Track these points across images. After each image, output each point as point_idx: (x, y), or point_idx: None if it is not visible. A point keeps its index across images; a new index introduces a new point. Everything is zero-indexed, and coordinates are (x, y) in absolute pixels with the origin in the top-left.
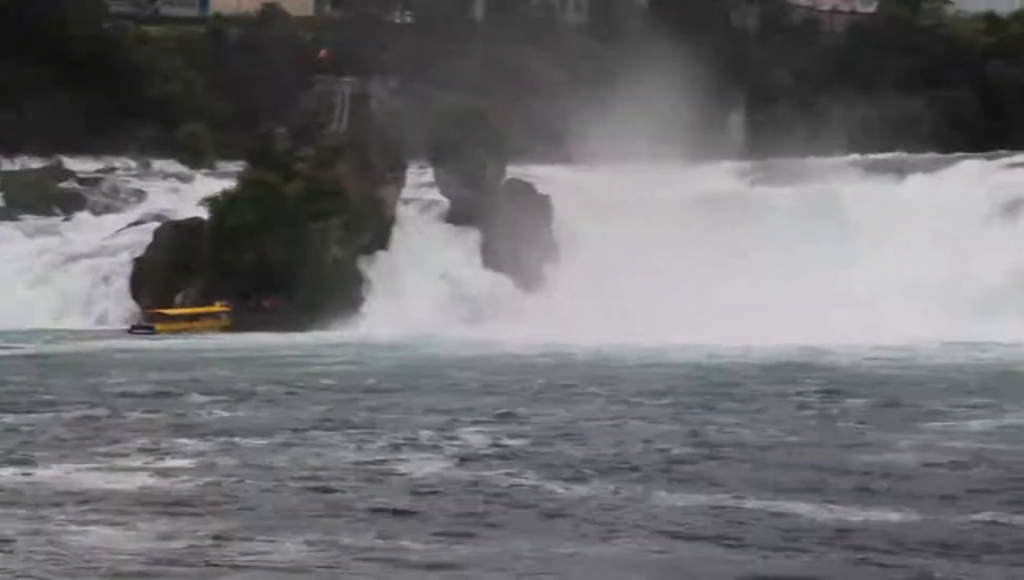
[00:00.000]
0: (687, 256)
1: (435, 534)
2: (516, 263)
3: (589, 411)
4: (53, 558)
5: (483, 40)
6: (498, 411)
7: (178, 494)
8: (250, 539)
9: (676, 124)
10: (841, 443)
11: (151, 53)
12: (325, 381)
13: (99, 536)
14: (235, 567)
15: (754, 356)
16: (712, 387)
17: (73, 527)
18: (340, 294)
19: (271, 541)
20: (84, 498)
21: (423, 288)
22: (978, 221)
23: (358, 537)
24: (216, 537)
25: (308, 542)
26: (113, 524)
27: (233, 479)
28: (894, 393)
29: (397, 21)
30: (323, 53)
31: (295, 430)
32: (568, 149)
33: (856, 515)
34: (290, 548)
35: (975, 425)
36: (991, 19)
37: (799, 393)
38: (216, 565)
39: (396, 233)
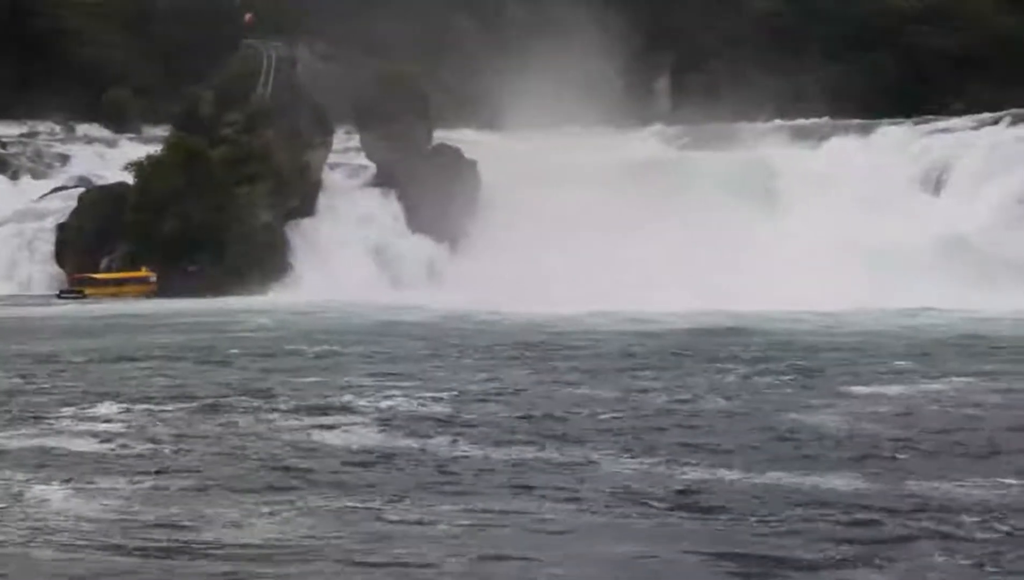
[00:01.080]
0: (614, 221)
1: (399, 501)
2: (443, 228)
3: (518, 377)
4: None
5: (410, 4)
6: (426, 377)
7: (122, 461)
8: (212, 509)
9: (603, 89)
10: (772, 408)
11: (77, 16)
12: (252, 346)
13: (60, 501)
14: (222, 545)
15: (682, 322)
16: (640, 353)
17: (22, 493)
18: (266, 259)
19: (240, 512)
20: (22, 462)
21: (349, 253)
22: (904, 186)
23: (327, 506)
24: (182, 507)
25: (292, 509)
26: (73, 489)
27: (170, 446)
28: (822, 358)
29: None
30: (248, 17)
31: (223, 396)
32: (495, 114)
33: (798, 480)
34: (263, 519)
35: (902, 390)
36: None
37: (729, 359)
38: (207, 542)
39: (323, 198)
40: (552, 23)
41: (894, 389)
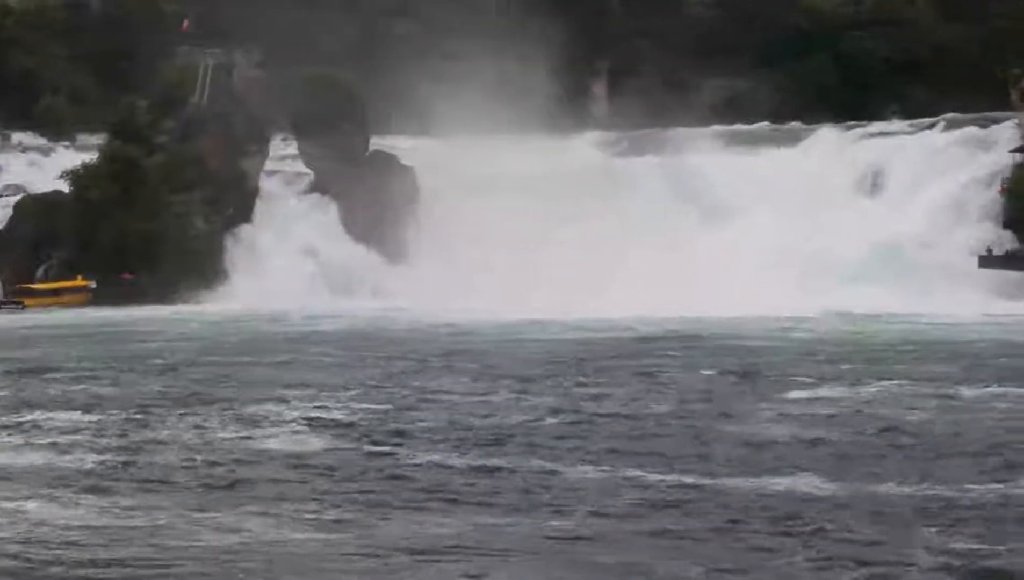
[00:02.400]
0: (552, 228)
1: (366, 510)
2: (380, 235)
3: (454, 385)
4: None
5: (346, 10)
6: (362, 385)
7: (81, 472)
8: (196, 517)
9: (540, 95)
10: (713, 414)
11: (9, 24)
12: (187, 355)
13: (42, 515)
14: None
15: (618, 328)
16: (576, 360)
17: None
18: (204, 267)
19: (226, 518)
20: None
21: (287, 261)
22: (842, 192)
23: (314, 514)
24: (161, 516)
25: (279, 517)
26: (49, 502)
27: (122, 456)
28: (762, 364)
29: None
30: (183, 25)
31: (163, 405)
32: (432, 121)
33: (740, 485)
34: (257, 522)
35: (843, 394)
36: None
37: (668, 365)
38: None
39: (260, 206)
40: (489, 29)
41: (835, 393)
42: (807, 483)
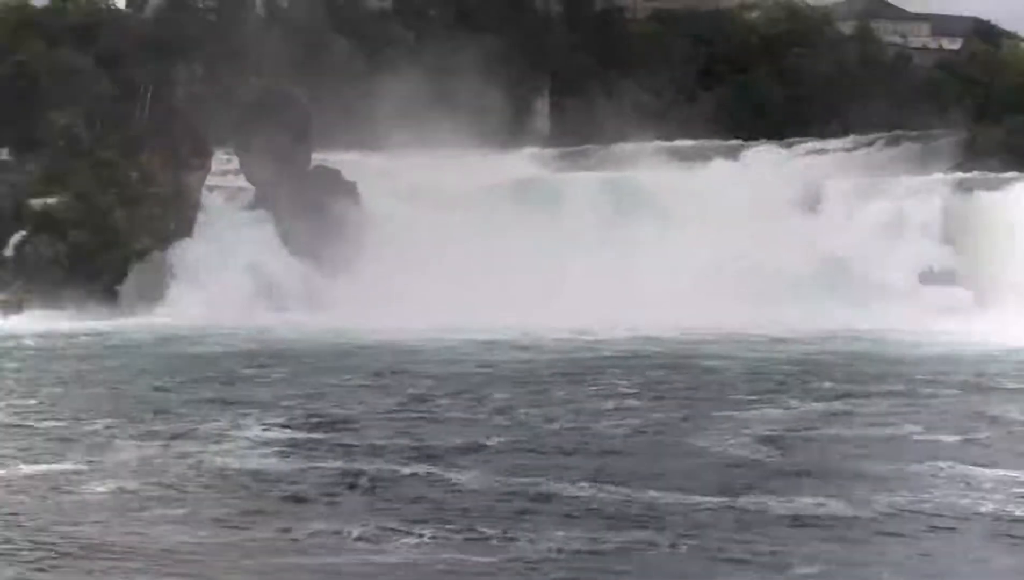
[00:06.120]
0: (491, 243)
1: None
2: (322, 250)
3: (392, 402)
4: None
5: (286, 25)
6: (300, 401)
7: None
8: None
9: (481, 110)
10: (655, 432)
11: None
12: (125, 373)
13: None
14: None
15: (558, 345)
16: (515, 377)
17: None
18: (144, 282)
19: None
20: None
21: (228, 276)
22: (782, 208)
23: (300, 529)
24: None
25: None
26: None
27: (71, 472)
28: (698, 382)
29: (200, 5)
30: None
31: (104, 423)
32: (374, 136)
33: (699, 501)
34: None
35: (777, 413)
36: (790, 7)
37: (605, 382)
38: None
39: (201, 220)
40: (431, 45)
41: (779, 413)
42: (744, 501)
